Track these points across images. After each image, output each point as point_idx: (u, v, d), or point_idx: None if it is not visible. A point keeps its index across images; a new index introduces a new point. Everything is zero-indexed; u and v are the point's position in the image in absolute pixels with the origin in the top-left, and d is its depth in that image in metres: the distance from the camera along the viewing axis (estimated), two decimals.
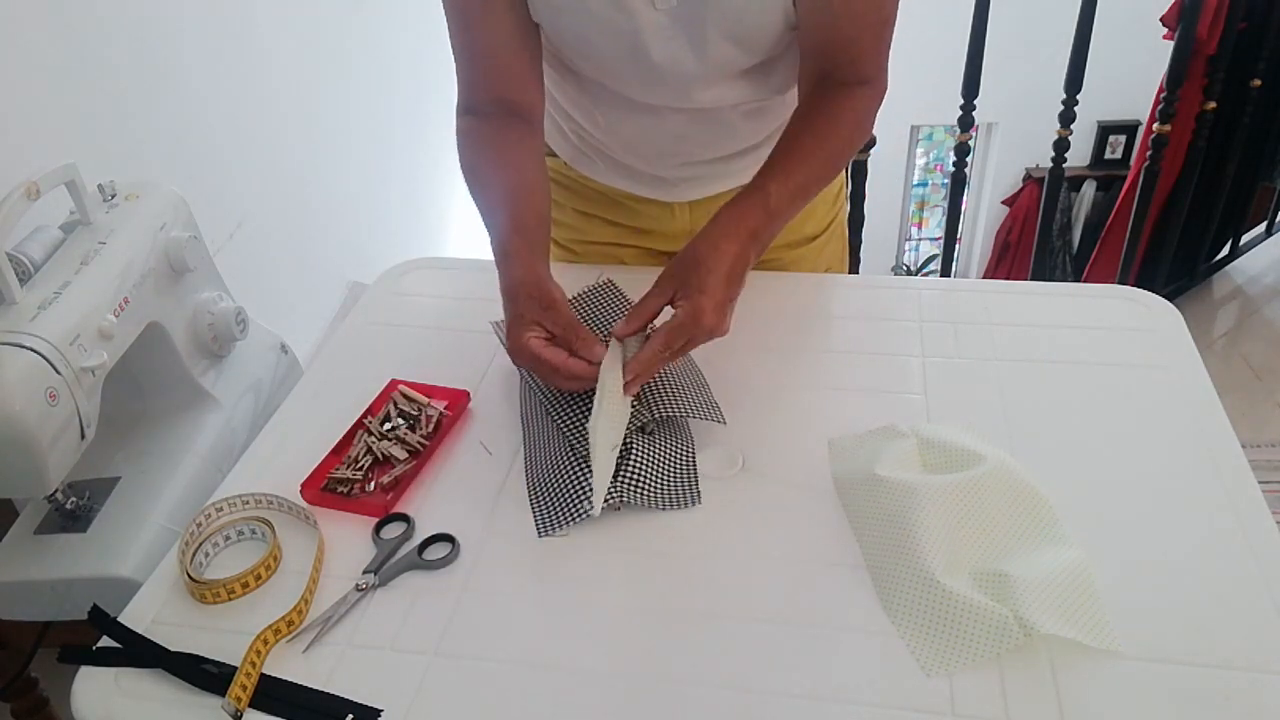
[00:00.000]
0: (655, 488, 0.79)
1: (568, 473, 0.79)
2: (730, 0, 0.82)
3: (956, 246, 3.34)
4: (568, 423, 0.83)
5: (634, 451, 0.80)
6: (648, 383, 0.85)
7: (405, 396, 0.92)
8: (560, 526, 0.77)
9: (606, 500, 0.77)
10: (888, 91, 0.92)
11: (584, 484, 0.77)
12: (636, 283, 1.06)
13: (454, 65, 0.91)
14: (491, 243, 0.85)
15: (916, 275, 5.45)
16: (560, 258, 1.19)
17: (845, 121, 0.88)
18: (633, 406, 0.82)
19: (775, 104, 0.97)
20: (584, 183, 1.11)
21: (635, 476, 0.78)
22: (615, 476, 0.78)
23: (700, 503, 0.79)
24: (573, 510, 0.77)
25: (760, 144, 1.02)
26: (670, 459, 0.82)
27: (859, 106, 0.89)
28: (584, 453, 0.79)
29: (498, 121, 0.91)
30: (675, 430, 0.85)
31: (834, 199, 1.16)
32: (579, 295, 1.00)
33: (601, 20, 0.84)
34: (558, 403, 0.85)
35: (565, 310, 0.80)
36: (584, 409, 0.82)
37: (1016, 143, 4.70)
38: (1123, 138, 4.56)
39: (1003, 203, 4.85)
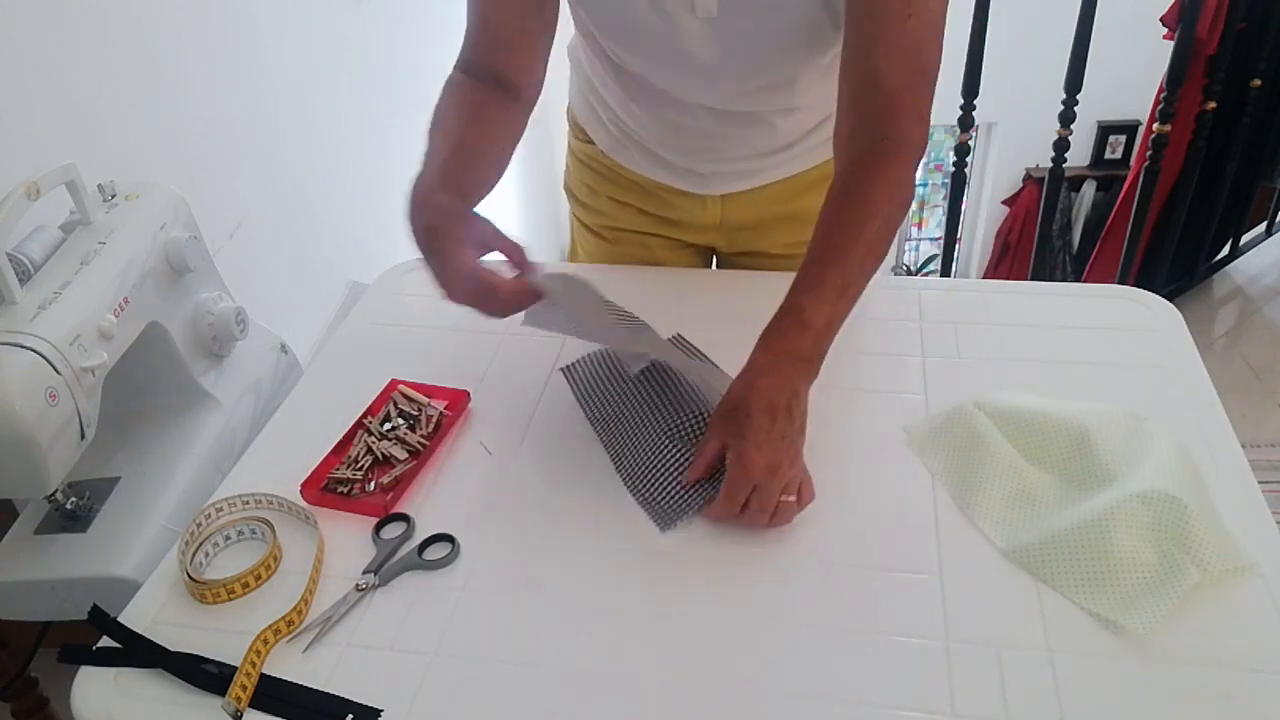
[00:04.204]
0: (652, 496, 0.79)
1: (671, 463, 0.79)
2: (770, 17, 0.83)
3: (956, 246, 3.34)
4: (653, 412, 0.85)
5: (667, 457, 0.80)
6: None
7: (405, 396, 0.92)
8: (681, 518, 0.77)
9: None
10: None
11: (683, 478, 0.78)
12: (665, 282, 1.06)
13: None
14: (415, 182, 0.81)
15: (916, 275, 5.45)
16: (592, 243, 1.21)
17: (880, 200, 0.79)
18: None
19: (810, 112, 0.98)
20: (619, 171, 1.12)
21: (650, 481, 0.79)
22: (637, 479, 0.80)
23: (670, 529, 0.77)
24: (687, 502, 0.77)
25: (794, 142, 1.03)
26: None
27: (892, 178, 0.80)
28: (682, 432, 0.82)
29: (484, 86, 0.89)
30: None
31: None
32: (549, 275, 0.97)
33: (644, 22, 0.86)
34: (640, 395, 0.87)
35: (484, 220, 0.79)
36: (663, 400, 0.86)
37: (1016, 143, 4.69)
38: (1123, 138, 4.55)
39: (1003, 203, 4.85)
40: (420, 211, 0.78)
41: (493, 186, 0.87)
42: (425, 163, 0.83)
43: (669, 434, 0.82)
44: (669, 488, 0.78)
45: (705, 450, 0.77)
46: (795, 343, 0.77)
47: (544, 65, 0.92)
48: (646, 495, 0.79)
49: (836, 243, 0.80)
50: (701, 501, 0.77)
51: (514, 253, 0.80)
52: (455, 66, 0.92)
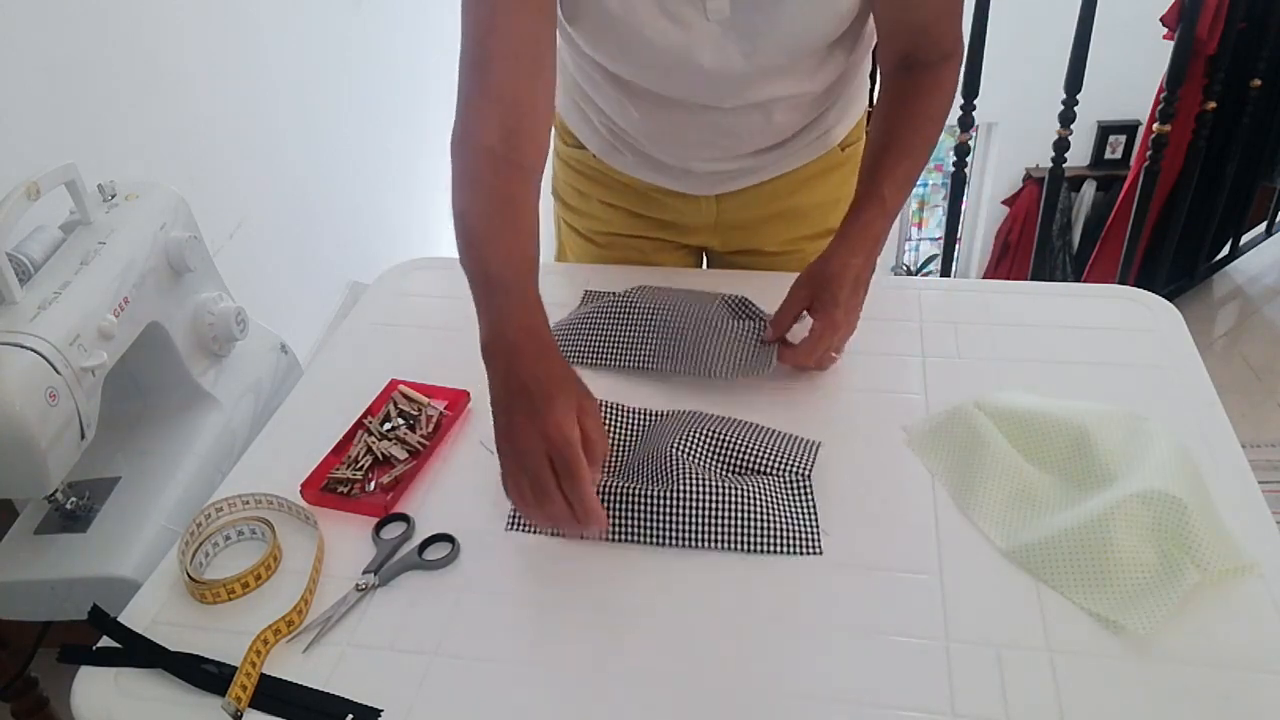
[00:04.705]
0: (772, 531, 0.75)
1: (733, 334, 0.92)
2: (789, 12, 0.83)
3: (956, 246, 3.35)
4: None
5: (736, 493, 0.76)
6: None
7: (405, 396, 0.92)
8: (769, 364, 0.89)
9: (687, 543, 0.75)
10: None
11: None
12: (657, 282, 1.06)
13: (456, 97, 0.82)
14: (503, 321, 0.75)
15: (916, 275, 5.45)
16: (582, 247, 1.20)
17: (935, 101, 0.92)
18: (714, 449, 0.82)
19: (815, 98, 0.98)
20: (611, 175, 1.11)
21: (744, 519, 0.74)
22: (713, 521, 0.75)
23: (822, 551, 0.74)
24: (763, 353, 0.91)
25: (792, 138, 1.03)
26: (784, 498, 0.78)
27: (943, 83, 0.92)
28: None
29: (505, 172, 0.80)
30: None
31: None
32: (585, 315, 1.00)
33: (651, 30, 0.85)
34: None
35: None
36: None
37: (1016, 143, 4.70)
38: (1123, 138, 4.55)
39: (1003, 203, 4.85)
40: (560, 386, 0.70)
41: None
42: (518, 299, 0.75)
43: (717, 313, 0.94)
44: (743, 350, 0.91)
45: (789, 310, 0.90)
46: (876, 224, 0.89)
47: (552, 117, 0.90)
48: (733, 363, 0.90)
49: (904, 137, 0.91)
50: (756, 350, 0.90)
51: (601, 443, 0.72)
52: (472, 148, 0.80)
